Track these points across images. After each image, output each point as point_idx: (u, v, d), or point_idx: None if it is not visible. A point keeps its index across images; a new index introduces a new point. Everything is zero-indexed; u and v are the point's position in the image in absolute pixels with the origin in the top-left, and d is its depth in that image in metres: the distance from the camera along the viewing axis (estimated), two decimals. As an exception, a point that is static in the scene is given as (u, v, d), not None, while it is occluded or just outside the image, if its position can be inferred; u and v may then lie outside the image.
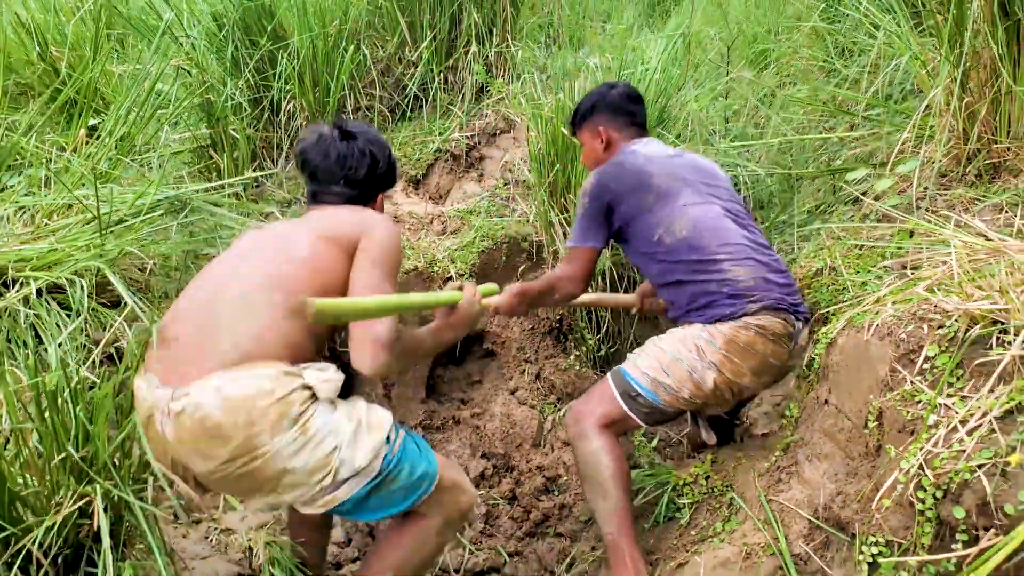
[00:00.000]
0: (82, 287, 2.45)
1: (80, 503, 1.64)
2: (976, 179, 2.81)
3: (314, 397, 1.69)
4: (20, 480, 1.63)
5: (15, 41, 3.64)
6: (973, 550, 1.48)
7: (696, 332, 2.27)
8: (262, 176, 3.94)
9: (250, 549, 2.13)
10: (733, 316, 2.24)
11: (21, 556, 1.58)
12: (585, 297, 2.85)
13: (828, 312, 2.50)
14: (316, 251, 1.83)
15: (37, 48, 3.65)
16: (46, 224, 2.74)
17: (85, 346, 2.39)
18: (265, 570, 2.03)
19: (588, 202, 2.45)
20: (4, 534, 1.57)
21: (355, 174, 2.05)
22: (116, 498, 1.70)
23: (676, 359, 2.25)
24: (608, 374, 2.36)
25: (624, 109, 2.64)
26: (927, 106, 2.92)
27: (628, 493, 2.22)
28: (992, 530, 1.48)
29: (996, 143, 2.78)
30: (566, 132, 3.24)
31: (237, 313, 1.71)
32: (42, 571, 1.62)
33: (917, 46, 3.03)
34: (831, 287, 2.61)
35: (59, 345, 2.20)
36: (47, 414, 1.64)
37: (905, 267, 2.39)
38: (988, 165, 2.81)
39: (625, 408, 2.26)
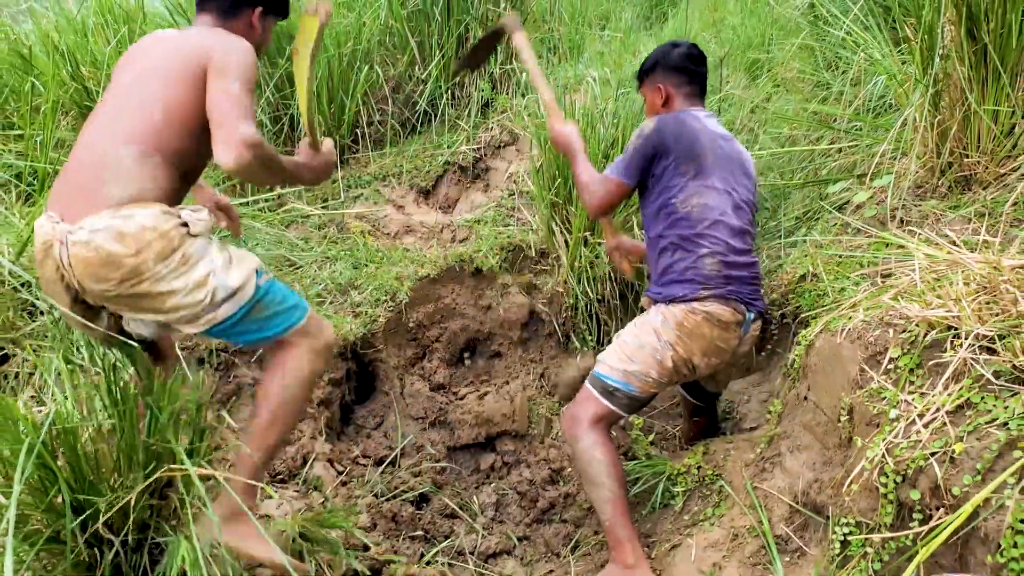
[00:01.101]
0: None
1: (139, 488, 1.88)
2: (948, 191, 3.01)
3: (190, 233, 1.94)
4: (94, 464, 1.87)
5: (48, 62, 3.86)
6: (926, 527, 1.67)
7: (652, 317, 2.54)
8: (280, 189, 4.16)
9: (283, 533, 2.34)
10: (684, 299, 2.49)
11: (89, 533, 1.82)
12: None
13: (809, 316, 2.72)
14: (175, 95, 1.98)
15: (69, 68, 3.88)
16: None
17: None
18: (305, 551, 2.25)
19: (641, 143, 2.61)
20: (81, 517, 1.79)
21: None
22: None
23: (639, 346, 2.50)
24: (587, 378, 2.59)
25: (683, 67, 2.79)
26: (903, 122, 3.12)
27: (621, 482, 2.44)
28: (942, 509, 1.69)
29: (967, 157, 2.98)
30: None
31: (121, 162, 1.92)
32: (112, 550, 1.86)
33: (894, 66, 3.24)
34: (812, 292, 2.82)
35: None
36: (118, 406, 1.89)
37: (885, 275, 2.60)
38: (960, 178, 3.01)
39: (607, 404, 2.50)
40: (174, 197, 2.01)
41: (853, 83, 3.75)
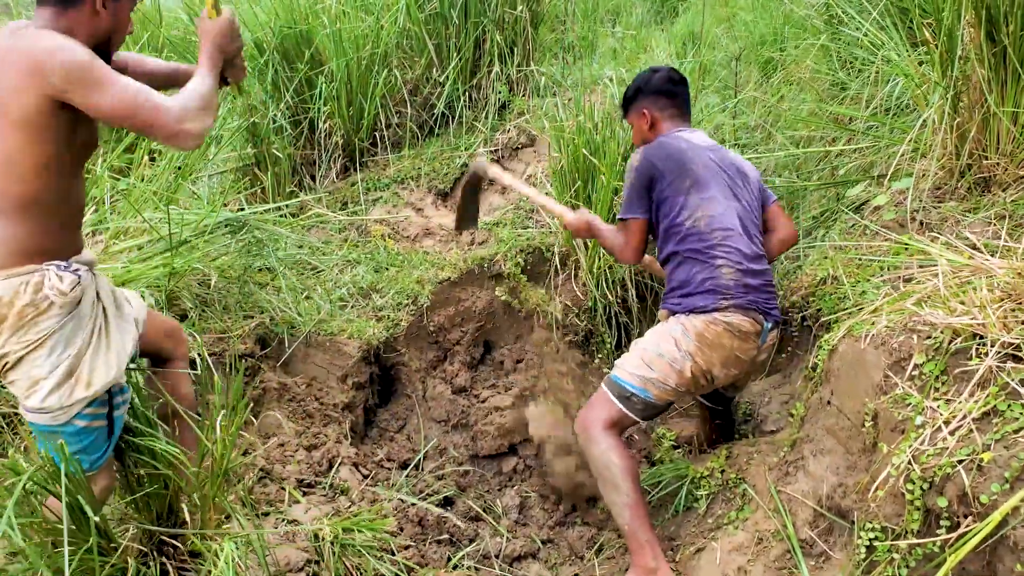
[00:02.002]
0: (155, 301, 2.73)
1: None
2: (968, 192, 3.02)
3: (55, 307, 1.80)
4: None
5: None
6: (954, 535, 1.69)
7: (671, 327, 2.55)
8: (298, 191, 4.20)
9: (316, 536, 2.38)
10: (705, 310, 2.50)
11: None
12: (647, 262, 3.05)
13: (830, 319, 2.74)
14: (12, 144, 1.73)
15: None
16: (115, 244, 3.01)
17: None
18: (334, 555, 2.29)
19: (635, 177, 2.70)
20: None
21: None
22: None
23: (658, 354, 2.51)
24: (603, 381, 2.62)
25: (666, 91, 2.87)
26: (923, 123, 3.13)
27: (638, 485, 2.45)
28: (970, 517, 1.71)
29: (986, 159, 2.99)
30: (589, 150, 3.49)
31: None
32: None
33: (911, 67, 3.24)
34: (833, 296, 2.84)
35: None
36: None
37: (907, 280, 2.62)
38: (980, 179, 3.02)
39: (623, 409, 2.51)
40: (43, 246, 1.83)
41: (870, 83, 3.75)
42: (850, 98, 3.98)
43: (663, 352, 2.51)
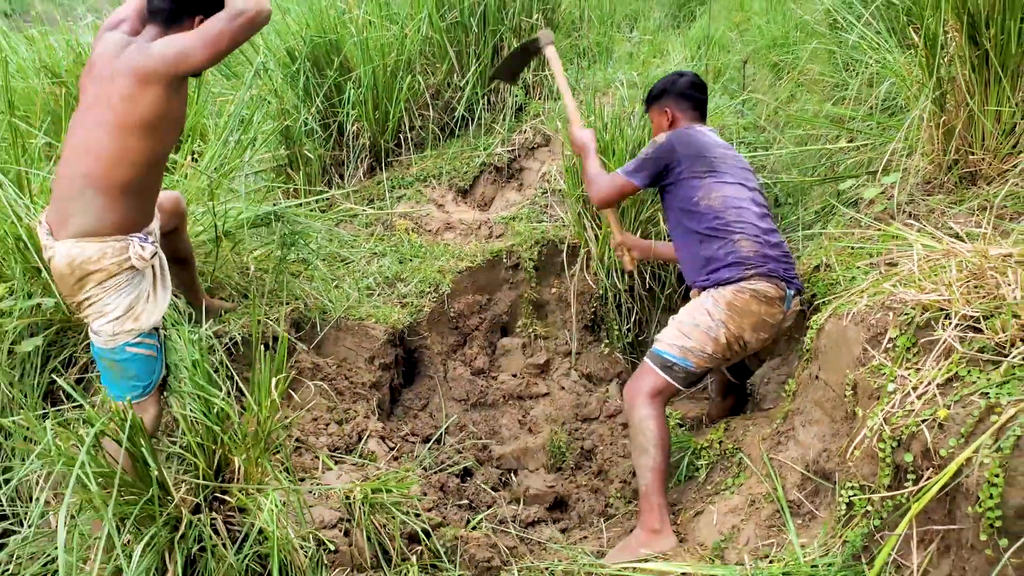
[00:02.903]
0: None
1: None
2: (955, 186, 3.21)
3: (132, 267, 2.31)
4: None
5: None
6: (917, 486, 1.89)
7: (703, 300, 2.80)
8: (331, 190, 4.47)
9: (347, 497, 2.62)
10: (732, 280, 2.76)
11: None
12: (607, 211, 3.40)
13: (821, 303, 2.94)
14: (120, 143, 2.21)
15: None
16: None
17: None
18: (364, 514, 2.53)
19: (654, 152, 2.96)
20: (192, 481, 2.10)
21: None
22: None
23: (694, 325, 2.76)
24: (646, 355, 2.85)
25: (689, 95, 3.15)
26: (912, 122, 3.33)
27: (666, 455, 2.70)
28: (931, 470, 1.91)
29: (972, 155, 3.17)
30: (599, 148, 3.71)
31: (82, 194, 2.23)
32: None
33: (904, 69, 3.44)
34: (825, 281, 3.04)
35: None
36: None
37: (890, 264, 2.82)
38: (966, 173, 3.20)
39: (666, 377, 2.75)
40: (128, 227, 2.31)
41: (868, 84, 3.96)
42: (851, 98, 4.18)
43: (698, 322, 2.75)
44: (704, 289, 2.85)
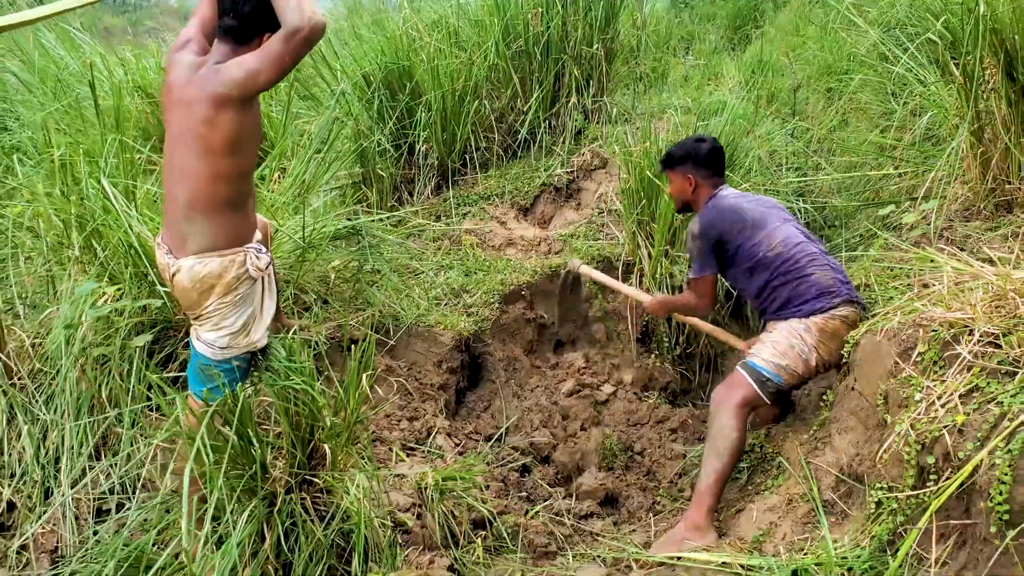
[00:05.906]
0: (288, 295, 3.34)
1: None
2: (991, 213, 3.39)
3: (250, 277, 2.50)
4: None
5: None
6: (937, 486, 2.09)
7: (796, 325, 3.00)
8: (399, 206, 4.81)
9: (420, 484, 2.91)
10: (823, 310, 2.96)
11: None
12: (705, 326, 3.67)
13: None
14: (210, 169, 2.36)
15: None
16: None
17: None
18: (435, 499, 2.82)
19: (700, 243, 3.19)
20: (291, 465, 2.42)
21: (242, 7, 2.38)
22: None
23: (789, 346, 2.97)
24: (738, 366, 3.05)
25: (709, 162, 3.34)
26: (952, 152, 3.51)
27: (735, 464, 2.90)
28: (950, 471, 2.12)
29: (1008, 184, 3.36)
30: (653, 172, 3.99)
31: (190, 218, 2.42)
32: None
33: (945, 101, 3.64)
34: (865, 300, 3.25)
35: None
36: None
37: (924, 286, 3.02)
38: (1003, 201, 3.38)
39: (758, 391, 2.95)
40: (242, 235, 2.51)
41: (912, 114, 4.14)
42: (897, 126, 4.37)
43: (793, 344, 2.96)
44: (787, 319, 3.03)
